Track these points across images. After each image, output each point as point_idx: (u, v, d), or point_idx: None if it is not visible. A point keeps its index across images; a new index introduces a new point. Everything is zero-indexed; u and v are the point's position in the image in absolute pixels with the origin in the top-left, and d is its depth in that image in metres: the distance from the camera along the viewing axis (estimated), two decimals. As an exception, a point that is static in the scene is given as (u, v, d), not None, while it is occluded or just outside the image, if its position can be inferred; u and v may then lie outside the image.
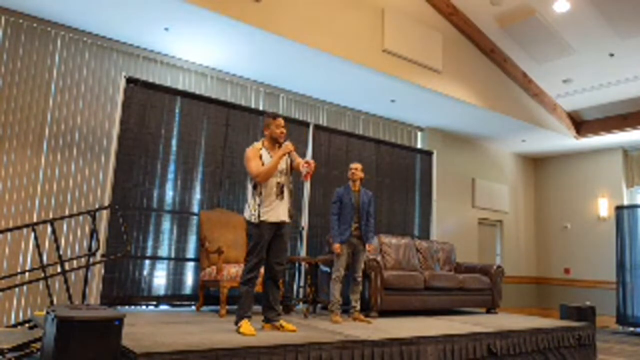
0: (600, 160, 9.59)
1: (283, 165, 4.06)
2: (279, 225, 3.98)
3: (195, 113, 5.75)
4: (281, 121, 4.09)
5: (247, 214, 3.96)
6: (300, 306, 5.95)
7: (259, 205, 3.90)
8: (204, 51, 5.94)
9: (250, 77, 6.62)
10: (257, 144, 4.08)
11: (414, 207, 7.69)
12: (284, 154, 3.98)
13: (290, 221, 4.10)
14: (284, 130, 4.08)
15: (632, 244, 8.57)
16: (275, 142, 4.07)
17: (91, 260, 4.66)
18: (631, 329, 8.43)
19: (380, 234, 6.57)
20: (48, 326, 2.67)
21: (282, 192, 4.00)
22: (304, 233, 6.33)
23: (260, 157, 3.97)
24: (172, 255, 5.44)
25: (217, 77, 6.44)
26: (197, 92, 6.08)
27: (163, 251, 5.39)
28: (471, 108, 7.49)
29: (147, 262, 5.27)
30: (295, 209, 4.26)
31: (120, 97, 5.19)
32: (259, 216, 3.88)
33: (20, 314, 4.93)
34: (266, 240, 3.91)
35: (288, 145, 4.00)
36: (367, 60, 6.18)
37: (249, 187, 4.01)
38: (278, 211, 3.96)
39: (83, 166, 5.46)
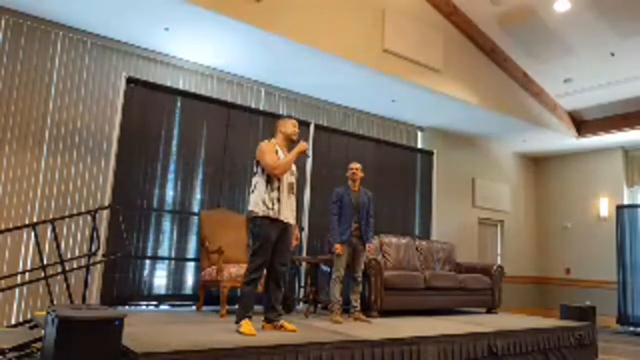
0: (600, 159, 9.59)
1: (293, 167, 4.13)
2: (286, 225, 3.98)
3: (195, 113, 5.75)
4: (296, 123, 4.20)
5: (259, 209, 3.85)
6: (301, 306, 5.95)
7: (278, 201, 3.90)
8: (204, 51, 5.93)
9: (251, 77, 6.62)
10: (272, 140, 4.12)
11: (415, 207, 7.69)
12: (300, 152, 4.04)
13: (295, 225, 4.13)
14: (298, 131, 4.18)
15: (632, 243, 8.57)
16: (289, 141, 4.13)
17: (91, 260, 4.67)
18: (632, 328, 8.42)
19: (381, 234, 6.56)
20: (48, 326, 2.67)
21: (292, 192, 4.06)
22: (304, 233, 6.33)
23: (276, 152, 4.00)
24: (173, 255, 5.44)
25: (217, 77, 6.44)
26: (198, 92, 6.08)
27: (163, 251, 5.39)
28: (471, 108, 7.48)
29: (147, 262, 5.28)
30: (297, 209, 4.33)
31: (120, 97, 5.19)
32: (278, 211, 3.88)
33: (21, 314, 4.93)
34: (272, 241, 3.90)
35: (304, 143, 4.08)
36: (368, 60, 6.18)
37: (261, 181, 3.93)
38: (288, 210, 3.99)
39: (83, 166, 5.45)
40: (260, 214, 3.87)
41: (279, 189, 3.93)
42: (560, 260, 9.91)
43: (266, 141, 4.08)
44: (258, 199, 3.90)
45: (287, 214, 3.97)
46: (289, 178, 4.03)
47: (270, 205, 3.88)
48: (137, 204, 5.25)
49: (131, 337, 3.12)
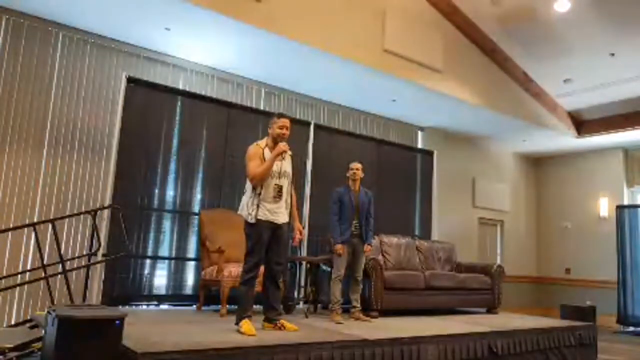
0: (600, 159, 9.59)
1: (286, 167, 4.07)
2: (278, 225, 3.97)
3: (196, 113, 5.75)
4: (285, 121, 4.05)
5: (243, 213, 3.96)
6: (301, 306, 5.95)
7: (256, 206, 3.89)
8: (204, 51, 5.93)
9: (251, 76, 6.62)
10: (261, 142, 4.08)
11: (415, 207, 7.69)
12: (277, 155, 3.94)
13: (289, 222, 4.09)
14: (286, 132, 4.04)
15: (632, 243, 8.57)
16: (275, 142, 4.06)
17: (92, 260, 4.67)
18: (632, 328, 8.42)
19: (381, 234, 6.56)
20: (49, 326, 2.67)
21: (280, 194, 3.98)
22: (305, 232, 6.32)
23: (263, 156, 3.97)
24: (173, 254, 5.44)
25: (217, 76, 6.44)
26: (198, 91, 6.08)
27: (164, 251, 5.39)
28: (472, 108, 7.48)
29: (147, 261, 5.28)
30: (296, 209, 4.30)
31: (121, 97, 5.19)
32: (255, 216, 3.88)
33: (21, 314, 4.93)
34: (265, 240, 3.90)
35: (281, 145, 3.96)
36: (368, 60, 6.18)
37: (248, 185, 4.00)
38: (275, 213, 3.95)
39: (84, 166, 5.45)
40: (247, 218, 3.92)
41: (260, 194, 3.92)
42: (560, 260, 9.91)
43: (254, 144, 4.05)
44: (243, 203, 4.00)
45: (273, 217, 3.93)
46: (275, 181, 3.96)
47: (250, 210, 3.90)
48: (137, 204, 5.25)
49: (131, 337, 3.12)
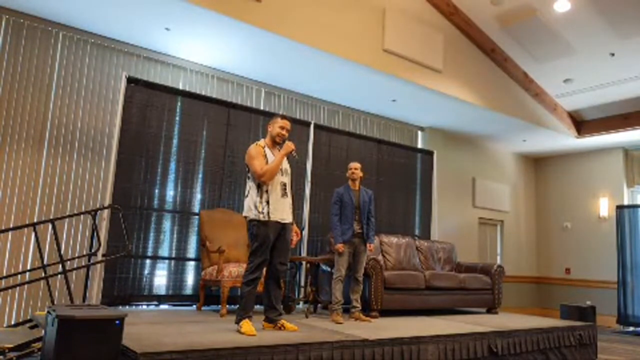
0: (601, 159, 9.59)
1: (286, 165, 4.11)
2: (284, 225, 3.99)
3: (196, 112, 5.76)
4: (287, 123, 4.12)
5: (252, 213, 3.91)
6: (301, 306, 5.95)
7: (267, 203, 3.90)
8: (204, 51, 5.93)
9: (251, 76, 6.62)
10: (260, 142, 4.09)
11: (415, 207, 7.69)
12: (287, 153, 4.02)
13: (293, 221, 4.11)
14: (285, 133, 4.10)
15: (632, 243, 8.57)
16: (274, 142, 4.09)
17: (92, 259, 4.67)
18: (632, 328, 8.42)
19: (381, 234, 6.57)
20: (49, 326, 2.67)
21: (285, 192, 4.03)
22: (305, 232, 6.34)
23: (265, 156, 3.99)
24: (173, 254, 5.44)
25: (217, 76, 6.44)
26: (198, 91, 6.08)
27: (164, 251, 5.40)
28: (472, 108, 7.48)
29: (147, 261, 5.28)
30: (296, 209, 4.30)
31: (121, 97, 5.20)
32: (268, 214, 3.87)
33: (21, 314, 4.93)
34: (271, 241, 3.91)
35: (289, 144, 4.05)
36: (368, 60, 6.18)
37: (252, 185, 3.98)
38: (283, 210, 3.98)
39: (84, 166, 5.46)
40: (252, 217, 3.90)
41: (268, 191, 3.93)
42: (560, 260, 9.91)
43: (254, 144, 4.06)
44: (250, 204, 3.95)
45: (281, 214, 3.96)
46: (280, 178, 4.02)
47: (260, 209, 3.89)
48: (137, 204, 5.25)
49: (131, 337, 3.12)
